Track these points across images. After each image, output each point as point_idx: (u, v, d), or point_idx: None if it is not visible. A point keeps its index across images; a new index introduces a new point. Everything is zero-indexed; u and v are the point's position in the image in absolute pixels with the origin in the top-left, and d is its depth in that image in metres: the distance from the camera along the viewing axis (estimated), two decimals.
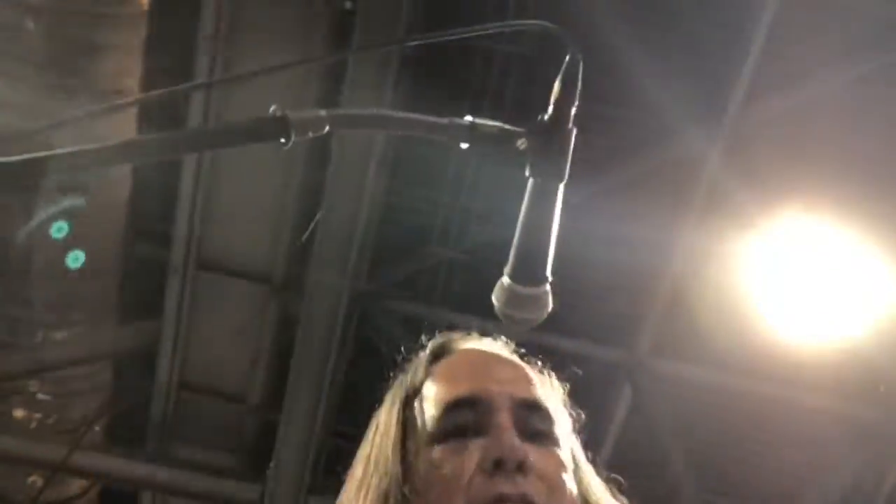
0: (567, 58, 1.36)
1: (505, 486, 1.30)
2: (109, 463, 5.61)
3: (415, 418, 1.41)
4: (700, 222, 4.88)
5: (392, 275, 5.25)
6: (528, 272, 1.46)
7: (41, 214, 4.37)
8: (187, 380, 5.45)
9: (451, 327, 5.01)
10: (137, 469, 5.64)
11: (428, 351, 1.50)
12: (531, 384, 1.45)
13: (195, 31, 4.46)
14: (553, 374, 1.54)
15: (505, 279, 1.47)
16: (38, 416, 5.57)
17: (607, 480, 1.52)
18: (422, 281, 5.31)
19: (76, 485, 5.93)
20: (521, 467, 1.31)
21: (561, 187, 1.42)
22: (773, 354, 5.08)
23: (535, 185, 1.43)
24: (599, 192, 4.70)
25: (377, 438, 1.43)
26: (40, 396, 5.51)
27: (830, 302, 4.87)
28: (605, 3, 4.44)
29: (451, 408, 1.38)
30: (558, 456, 1.38)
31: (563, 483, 1.36)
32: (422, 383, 1.44)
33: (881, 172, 4.78)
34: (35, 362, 5.30)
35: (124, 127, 4.35)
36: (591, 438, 5.40)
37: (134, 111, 4.42)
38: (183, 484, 5.60)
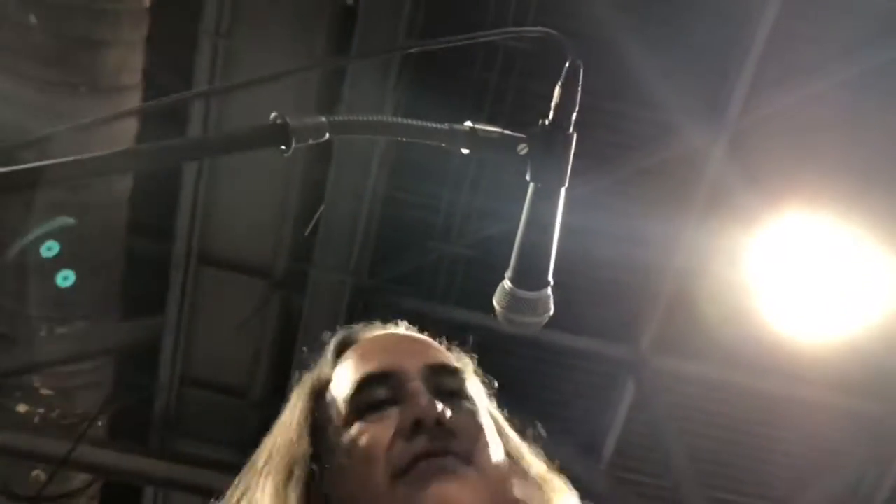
0: (567, 63, 1.36)
1: (426, 444, 1.30)
2: (112, 457, 5.61)
3: (326, 407, 1.41)
4: (702, 219, 4.88)
5: (394, 270, 5.25)
6: (530, 276, 1.45)
7: (31, 233, 4.38)
8: (189, 375, 5.45)
9: (453, 322, 5.05)
10: (140, 463, 5.64)
11: (332, 345, 1.51)
12: (437, 351, 1.46)
13: (196, 26, 4.45)
14: (458, 349, 1.52)
15: (506, 283, 1.47)
16: (41, 410, 5.58)
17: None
18: (424, 276, 5.31)
19: (79, 479, 5.94)
20: (440, 423, 1.32)
21: (562, 191, 1.42)
22: (775, 351, 5.08)
23: (536, 190, 1.42)
24: (602, 188, 4.70)
25: (279, 431, 1.43)
26: (43, 391, 5.51)
27: (832, 298, 4.87)
28: (608, 0, 4.44)
29: (364, 384, 1.38)
30: (475, 411, 1.38)
31: (483, 436, 1.36)
32: (329, 375, 1.45)
33: (882, 169, 4.78)
34: (38, 357, 5.31)
35: (125, 125, 4.35)
36: (594, 434, 5.45)
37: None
38: (185, 478, 5.60)
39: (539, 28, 1.38)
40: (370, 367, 1.40)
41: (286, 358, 5.13)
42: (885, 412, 5.38)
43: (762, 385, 5.34)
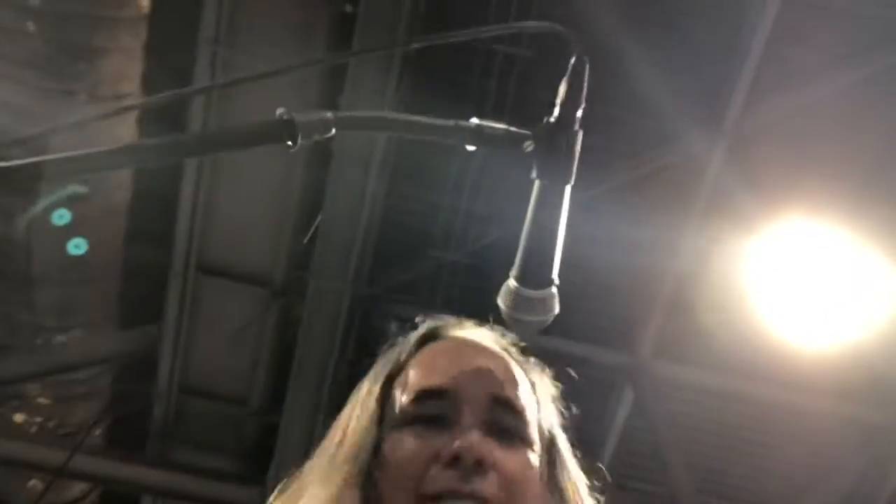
0: (573, 59, 1.35)
1: (457, 483, 1.29)
2: (110, 466, 5.60)
3: (392, 398, 1.41)
4: (702, 225, 4.88)
5: (393, 278, 5.25)
6: (535, 275, 1.45)
7: (42, 202, 4.36)
8: (188, 383, 5.44)
9: None
10: (138, 472, 5.63)
11: (418, 333, 1.51)
12: (510, 381, 1.42)
13: (195, 33, 4.45)
14: (547, 371, 1.53)
15: (511, 282, 1.46)
16: (38, 419, 5.56)
17: (603, 484, 1.51)
18: (423, 284, 5.30)
19: (77, 488, 5.93)
20: (479, 465, 1.30)
21: (568, 189, 1.41)
22: (774, 357, 5.07)
23: (541, 188, 1.42)
24: (601, 194, 4.70)
25: (356, 411, 1.43)
26: (41, 400, 5.50)
27: (832, 304, 4.86)
28: (607, 5, 4.44)
29: (423, 396, 1.38)
30: (525, 456, 1.37)
31: (526, 484, 1.34)
32: (405, 365, 1.45)
33: (882, 175, 4.78)
34: (36, 366, 5.30)
35: (125, 130, 4.35)
36: (592, 440, 5.44)
37: (135, 114, 4.41)
38: (183, 487, 5.59)
39: (545, 23, 1.38)
40: (434, 379, 1.40)
41: (285, 366, 5.12)
42: (884, 420, 5.37)
43: (761, 392, 5.34)
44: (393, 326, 1.54)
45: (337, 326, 4.89)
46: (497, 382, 1.41)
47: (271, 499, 1.45)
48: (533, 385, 1.47)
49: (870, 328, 4.90)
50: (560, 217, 1.42)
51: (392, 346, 1.52)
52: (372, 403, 1.42)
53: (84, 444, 5.41)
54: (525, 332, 1.54)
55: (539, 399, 1.47)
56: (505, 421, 1.37)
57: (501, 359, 1.46)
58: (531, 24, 1.49)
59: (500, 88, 4.64)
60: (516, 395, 1.41)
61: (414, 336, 1.50)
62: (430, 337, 1.49)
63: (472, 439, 1.31)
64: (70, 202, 4.44)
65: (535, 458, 1.39)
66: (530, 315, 1.47)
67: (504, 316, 1.48)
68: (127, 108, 4.08)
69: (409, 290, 5.27)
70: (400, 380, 1.43)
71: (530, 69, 4.58)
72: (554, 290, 1.46)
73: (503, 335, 1.51)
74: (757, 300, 4.93)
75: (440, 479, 1.29)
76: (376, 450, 1.37)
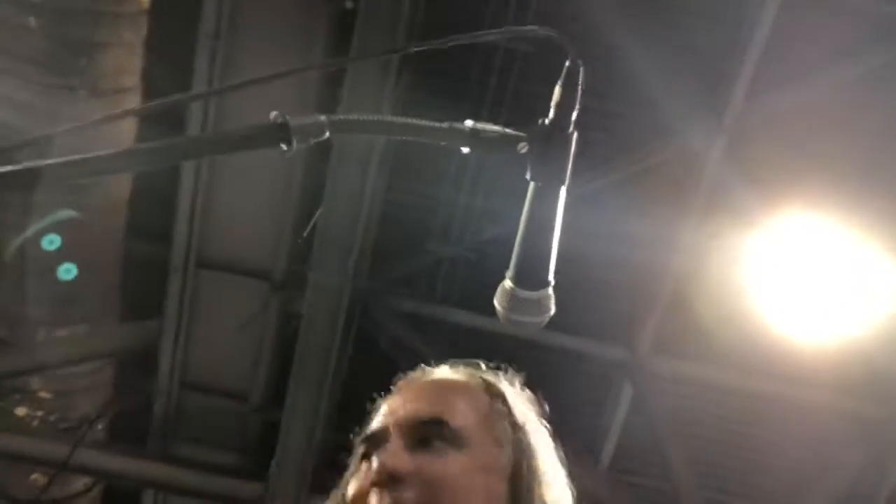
0: (567, 63, 1.36)
1: (376, 499, 1.38)
2: (111, 461, 5.61)
3: None
4: (701, 220, 4.88)
5: (393, 272, 5.25)
6: (531, 276, 1.46)
7: (33, 227, 4.38)
8: (189, 378, 5.45)
9: (453, 324, 5.04)
10: (139, 467, 5.64)
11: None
12: (439, 400, 1.49)
13: (196, 29, 4.45)
14: (521, 383, 1.56)
15: (507, 283, 1.47)
16: (40, 414, 5.57)
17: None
18: (423, 278, 5.31)
19: (79, 483, 5.93)
20: (393, 477, 1.38)
21: (562, 191, 1.42)
22: (774, 352, 5.08)
23: (536, 189, 1.42)
24: (600, 189, 4.70)
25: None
26: (42, 395, 5.51)
27: (831, 299, 4.86)
28: (606, 1, 4.44)
29: (361, 444, 1.49)
30: (452, 458, 1.41)
31: (454, 482, 1.39)
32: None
33: (881, 170, 4.78)
34: (37, 361, 5.30)
35: (125, 127, 4.35)
36: (592, 436, 5.45)
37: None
38: (185, 482, 5.60)
39: (539, 28, 1.38)
40: (371, 425, 1.51)
41: (286, 361, 5.13)
42: (884, 415, 5.38)
43: (761, 387, 5.34)
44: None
45: (337, 321, 4.89)
46: (424, 402, 1.48)
47: None
48: (495, 396, 1.51)
49: (869, 323, 4.91)
50: (555, 218, 1.43)
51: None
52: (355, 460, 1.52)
53: (86, 439, 5.42)
54: (521, 332, 1.56)
55: (497, 408, 1.49)
56: (429, 431, 1.43)
57: (442, 385, 1.53)
58: (526, 29, 1.49)
59: (499, 84, 4.64)
60: (446, 408, 1.47)
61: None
62: (390, 390, 1.57)
63: (384, 456, 1.41)
64: (72, 201, 4.46)
65: (469, 458, 1.42)
66: (526, 316, 1.47)
67: (500, 317, 1.49)
68: (127, 114, 4.09)
69: (409, 284, 5.28)
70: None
71: (530, 65, 4.58)
72: (550, 290, 1.47)
73: (476, 368, 1.57)
74: (756, 295, 4.93)
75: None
76: None
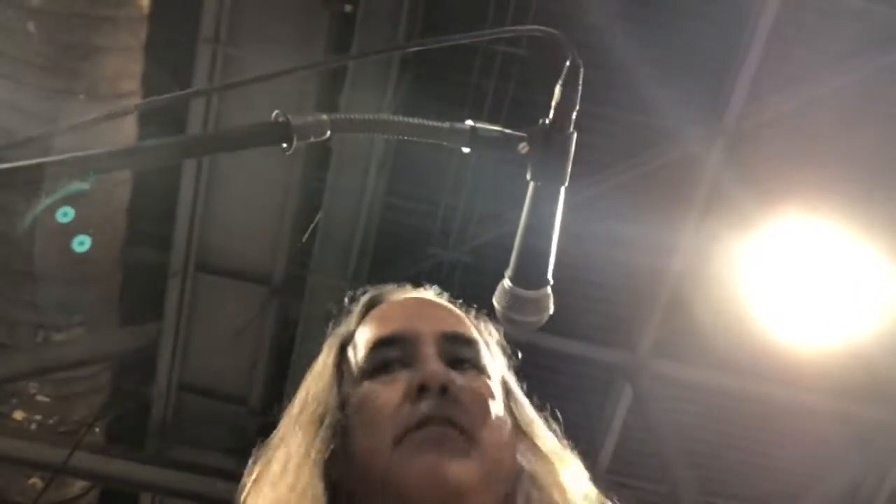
0: (567, 63, 1.36)
1: (429, 409, 1.31)
2: (109, 464, 5.60)
3: (349, 360, 1.43)
4: (701, 223, 4.88)
5: (392, 276, 5.23)
6: (530, 275, 1.45)
7: (46, 200, 4.36)
8: (187, 381, 5.45)
9: None
10: (137, 470, 5.63)
11: (361, 302, 1.53)
12: (457, 320, 1.46)
13: (195, 33, 4.46)
14: (487, 320, 1.52)
15: (506, 282, 1.47)
16: (38, 417, 5.57)
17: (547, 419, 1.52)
18: (421, 282, 5.30)
19: (76, 486, 5.93)
20: (445, 390, 1.32)
21: (562, 191, 1.42)
22: (773, 355, 5.08)
23: (536, 189, 1.42)
24: (600, 193, 4.71)
25: (313, 380, 1.46)
26: (40, 398, 5.50)
27: (830, 302, 4.87)
28: (606, 4, 4.44)
29: (378, 345, 1.40)
30: (485, 382, 1.38)
31: (488, 407, 1.36)
32: (354, 330, 1.47)
33: (881, 173, 4.78)
34: (35, 364, 5.30)
35: (125, 128, 4.35)
36: (591, 438, 5.44)
37: (134, 114, 4.42)
38: (182, 485, 5.59)
39: (539, 27, 1.38)
40: (386, 329, 1.42)
41: (284, 364, 5.13)
42: (883, 418, 5.38)
43: (760, 389, 5.34)
44: (334, 307, 1.56)
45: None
46: (445, 320, 1.44)
47: (248, 471, 1.47)
48: (478, 329, 1.49)
49: (868, 326, 4.91)
50: (555, 218, 1.43)
51: (339, 320, 1.54)
52: (329, 369, 1.44)
53: (84, 442, 5.41)
54: (521, 331, 1.55)
55: (486, 341, 1.48)
56: (460, 352, 1.40)
57: (445, 304, 1.50)
58: (527, 28, 1.49)
59: (498, 88, 4.65)
60: (466, 329, 1.44)
61: (359, 304, 1.53)
62: (374, 303, 1.52)
63: (434, 367, 1.35)
64: (73, 199, 4.45)
65: (495, 385, 1.41)
66: (525, 315, 1.47)
67: (499, 315, 1.48)
68: (128, 111, 4.08)
69: (424, 287, 5.27)
70: (352, 343, 1.45)
71: (529, 69, 4.58)
72: (549, 290, 1.47)
73: (440, 293, 1.55)
74: (755, 298, 4.94)
75: (413, 411, 1.31)
76: (342, 409, 1.39)
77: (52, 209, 4.42)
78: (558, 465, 1.43)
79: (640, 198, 4.86)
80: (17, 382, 5.43)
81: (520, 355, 1.52)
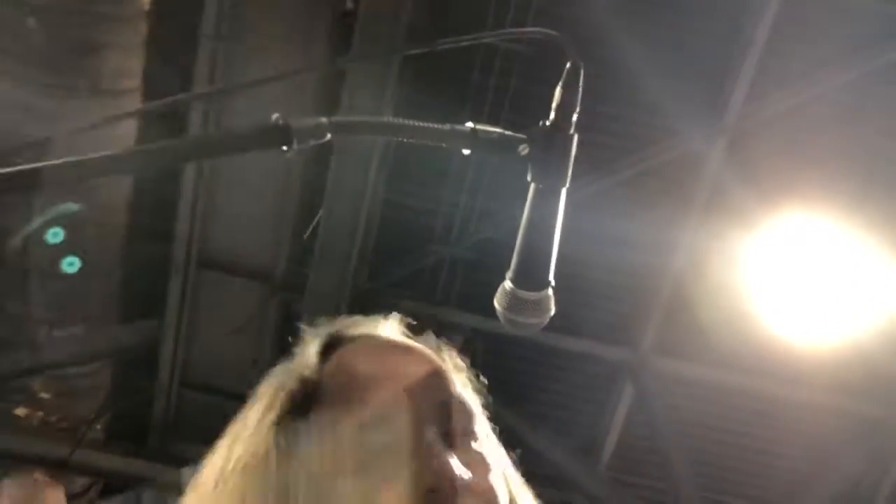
0: (568, 64, 1.36)
1: None
2: (111, 461, 5.61)
3: (306, 433, 1.13)
4: (702, 221, 4.88)
5: (394, 273, 5.25)
6: (531, 276, 1.45)
7: (37, 220, 4.38)
8: (188, 378, 5.45)
9: (453, 325, 5.05)
10: (139, 467, 5.64)
11: (316, 344, 1.27)
12: (444, 378, 1.23)
13: (196, 30, 4.45)
14: (448, 347, 1.34)
15: (507, 283, 1.47)
16: (39, 414, 5.58)
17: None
18: (423, 279, 5.31)
19: (78, 483, 5.94)
20: (453, 489, 1.11)
21: (563, 192, 1.42)
22: (774, 352, 5.08)
23: (537, 190, 1.42)
24: (601, 191, 4.70)
25: (242, 445, 1.17)
26: (42, 395, 5.51)
27: (831, 300, 4.87)
28: (607, 2, 4.44)
29: (363, 429, 1.12)
30: (485, 458, 1.19)
31: (494, 489, 1.18)
32: (315, 378, 1.20)
33: (882, 171, 4.78)
34: (37, 361, 5.31)
35: (126, 127, 4.35)
36: (593, 437, 5.45)
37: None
38: (185, 482, 5.59)
39: (539, 29, 1.38)
40: (369, 404, 1.14)
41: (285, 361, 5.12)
42: (884, 415, 5.38)
43: (761, 387, 5.34)
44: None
45: None
46: (439, 383, 1.22)
47: None
48: (453, 372, 1.30)
49: (869, 323, 4.91)
50: (555, 219, 1.43)
51: (281, 366, 1.26)
52: (263, 445, 1.16)
53: (85, 439, 5.42)
54: (520, 336, 1.55)
55: (463, 382, 1.30)
56: (456, 424, 1.19)
57: (423, 354, 1.28)
58: (528, 31, 1.49)
59: (499, 86, 4.64)
60: (457, 392, 1.24)
61: (311, 347, 1.28)
62: (333, 345, 1.26)
63: (443, 465, 1.12)
64: (65, 220, 4.46)
65: (490, 455, 1.22)
66: (526, 317, 1.47)
67: (500, 317, 1.48)
68: (128, 115, 4.09)
69: (410, 285, 5.28)
70: (316, 402, 1.17)
71: (530, 66, 4.58)
72: (550, 291, 1.47)
73: (399, 321, 1.36)
74: (757, 296, 4.94)
75: None
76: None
77: (42, 230, 4.44)
78: None
79: (641, 196, 4.86)
80: (19, 379, 5.43)
81: (486, 390, 1.33)
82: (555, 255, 1.45)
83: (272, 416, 1.17)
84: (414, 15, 4.14)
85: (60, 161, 1.08)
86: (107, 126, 1.59)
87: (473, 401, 1.26)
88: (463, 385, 1.28)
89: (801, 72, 4.62)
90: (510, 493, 1.23)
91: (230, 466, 1.14)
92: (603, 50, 4.37)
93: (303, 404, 1.17)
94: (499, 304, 1.47)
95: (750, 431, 5.56)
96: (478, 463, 1.16)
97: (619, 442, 5.57)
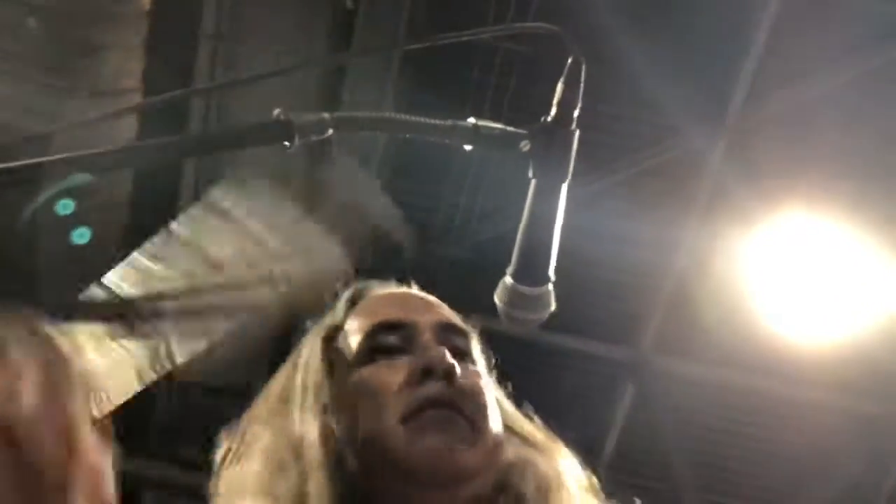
0: (570, 60, 1.36)
1: (434, 390, 1.35)
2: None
3: (339, 350, 1.45)
4: (703, 220, 4.88)
5: (393, 272, 5.24)
6: (531, 272, 1.46)
7: (46, 192, 4.37)
8: (191, 378, 5.44)
9: None
10: (140, 466, 5.64)
11: (345, 296, 1.55)
12: (450, 312, 1.51)
13: (196, 30, 4.45)
14: (464, 318, 1.56)
15: (507, 279, 1.47)
16: None
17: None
18: (422, 279, 5.30)
19: None
20: (449, 376, 1.36)
21: (564, 188, 1.42)
22: (775, 351, 5.08)
23: (538, 186, 1.43)
24: (602, 190, 4.70)
25: (300, 368, 1.48)
26: None
27: (832, 299, 4.87)
28: (608, 1, 4.44)
29: (376, 331, 1.43)
30: (480, 374, 1.44)
31: (486, 399, 1.40)
32: (342, 321, 1.49)
33: (883, 170, 4.78)
34: None
35: (125, 125, 4.35)
36: (593, 436, 5.46)
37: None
38: (185, 481, 5.60)
39: (541, 24, 1.39)
40: (384, 315, 1.46)
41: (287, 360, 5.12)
42: (885, 414, 5.38)
43: (762, 386, 5.35)
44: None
45: None
46: (439, 311, 1.50)
47: (223, 454, 1.51)
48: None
49: (870, 322, 4.92)
50: (556, 215, 1.43)
51: (319, 317, 1.56)
52: (317, 359, 1.46)
53: None
54: (521, 329, 1.57)
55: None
56: (456, 342, 1.44)
57: (434, 299, 1.56)
58: (528, 25, 1.50)
59: (499, 85, 4.65)
60: (459, 321, 1.51)
61: (342, 299, 1.55)
62: (359, 296, 1.54)
63: (437, 352, 1.38)
64: (73, 192, 4.45)
65: (486, 378, 1.46)
66: (526, 312, 1.48)
67: (500, 313, 1.49)
68: (129, 110, 4.09)
69: (410, 284, 5.27)
70: (342, 334, 1.47)
71: (530, 66, 4.58)
72: (550, 287, 1.47)
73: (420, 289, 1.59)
74: (758, 295, 4.94)
75: (417, 394, 1.34)
76: (338, 395, 1.40)
77: (51, 202, 4.42)
78: (549, 453, 1.49)
79: (641, 195, 4.86)
80: None
81: (494, 360, 1.54)
82: (555, 250, 1.45)
83: (318, 347, 1.47)
84: (414, 14, 4.14)
85: (60, 156, 1.08)
86: (107, 125, 1.59)
87: (477, 348, 1.50)
88: (465, 329, 1.51)
89: (802, 71, 4.62)
90: (499, 404, 1.45)
91: (297, 381, 1.46)
92: (604, 49, 4.37)
93: (334, 337, 1.48)
94: (499, 299, 1.48)
95: (751, 430, 5.56)
96: (472, 372, 1.42)
97: (620, 441, 5.57)
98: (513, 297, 1.46)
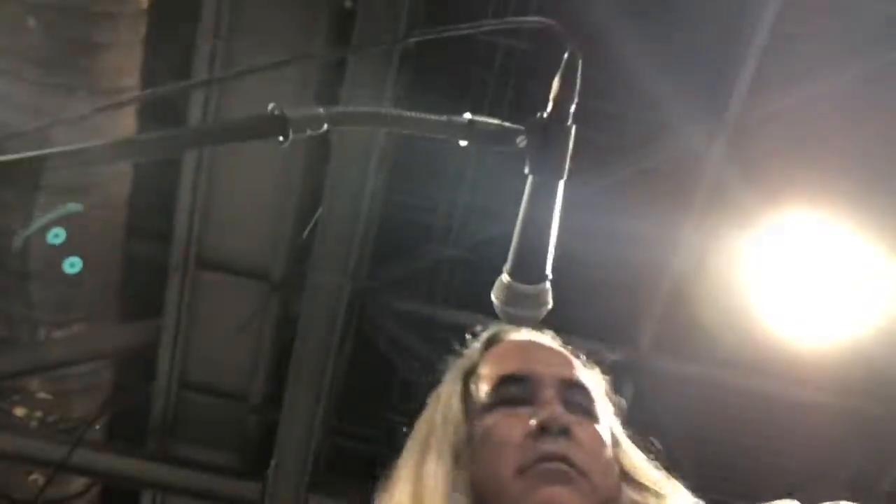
0: (566, 55, 1.36)
1: (549, 446, 1.44)
2: (110, 461, 5.60)
3: (471, 393, 1.56)
4: (701, 219, 4.88)
5: (392, 272, 5.25)
6: (528, 270, 1.45)
7: (38, 221, 4.37)
8: (187, 378, 5.44)
9: (452, 325, 5.04)
10: (138, 467, 5.64)
11: (482, 338, 1.66)
12: (574, 368, 1.60)
13: (195, 29, 4.45)
14: (596, 367, 1.67)
15: (504, 277, 1.47)
16: (38, 414, 5.57)
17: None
18: (422, 278, 5.30)
19: (77, 483, 5.93)
20: (565, 432, 1.45)
21: (561, 184, 1.42)
22: (774, 351, 5.08)
23: (534, 183, 1.42)
24: (600, 189, 4.70)
25: (441, 406, 1.58)
26: (41, 395, 5.50)
27: (831, 298, 4.86)
28: (607, 0, 4.43)
29: (502, 382, 1.53)
30: (597, 429, 1.53)
31: (601, 453, 1.50)
32: (477, 364, 1.60)
33: (882, 169, 4.78)
34: (35, 361, 5.30)
35: (124, 124, 4.35)
36: None
37: (134, 108, 4.42)
38: (183, 482, 5.59)
39: (538, 19, 1.38)
40: (510, 367, 1.56)
41: (285, 361, 5.12)
42: (884, 414, 5.37)
43: (762, 386, 5.34)
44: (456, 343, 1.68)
45: (336, 321, 4.89)
46: (564, 367, 1.58)
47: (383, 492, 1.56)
48: (590, 376, 1.64)
49: (870, 322, 4.91)
50: (553, 212, 1.42)
51: (458, 355, 1.66)
52: (456, 401, 1.56)
53: (84, 439, 5.41)
54: (519, 326, 1.57)
55: (596, 386, 1.63)
56: (576, 398, 1.54)
57: (562, 351, 1.65)
58: (526, 20, 1.49)
59: (499, 81, 4.64)
60: (582, 377, 1.59)
61: (480, 340, 1.66)
62: (494, 340, 1.65)
63: (556, 410, 1.48)
64: (65, 220, 4.46)
65: (605, 432, 1.55)
66: (523, 310, 1.47)
67: (497, 310, 1.48)
68: (127, 102, 4.09)
69: (409, 284, 5.28)
70: (475, 377, 1.57)
71: (530, 62, 4.58)
72: (547, 284, 1.47)
73: (554, 336, 1.68)
74: (757, 294, 4.93)
75: (534, 448, 1.44)
76: (468, 439, 1.51)
77: (43, 231, 4.43)
78: (664, 499, 1.59)
79: (640, 194, 4.85)
80: (17, 379, 5.43)
81: (623, 402, 1.69)
82: (552, 248, 1.45)
83: (457, 388, 1.58)
84: (413, 12, 4.14)
85: (58, 149, 1.08)
86: (104, 121, 1.58)
87: (602, 399, 1.61)
88: (597, 387, 1.62)
89: (801, 71, 4.61)
90: (621, 450, 1.58)
91: (439, 420, 1.56)
92: (603, 47, 4.36)
93: (470, 377, 1.59)
94: (496, 297, 1.47)
95: (750, 430, 5.56)
96: (589, 429, 1.51)
97: None
98: (510, 294, 1.46)
